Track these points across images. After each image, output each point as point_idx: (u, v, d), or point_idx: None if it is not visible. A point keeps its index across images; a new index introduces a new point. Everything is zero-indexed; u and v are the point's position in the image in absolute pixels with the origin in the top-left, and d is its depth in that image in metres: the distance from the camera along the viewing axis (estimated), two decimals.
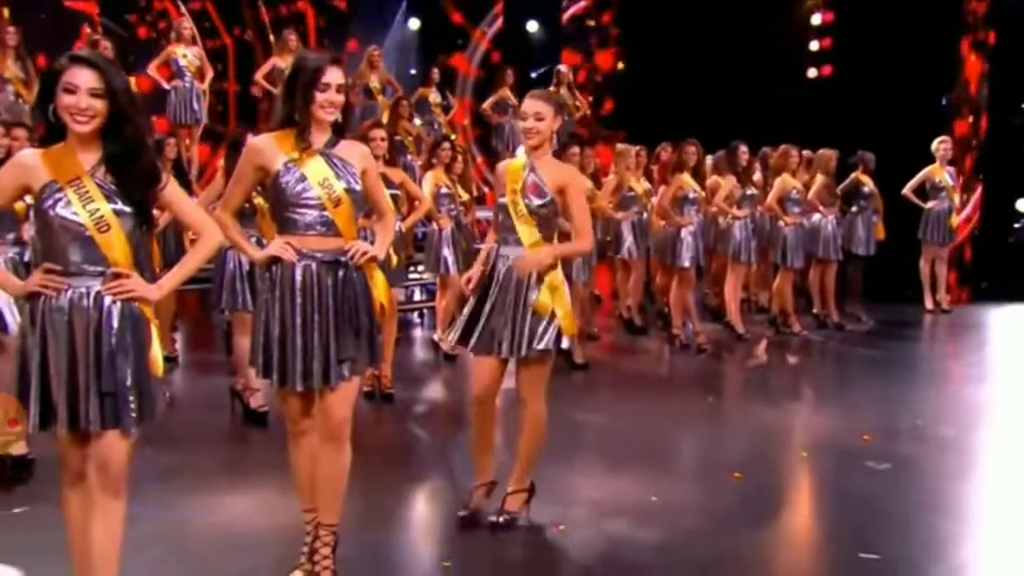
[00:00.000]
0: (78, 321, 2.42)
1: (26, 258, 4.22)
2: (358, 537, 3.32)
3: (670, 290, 7.22)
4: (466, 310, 3.56)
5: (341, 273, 2.88)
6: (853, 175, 8.17)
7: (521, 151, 3.62)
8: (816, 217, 7.72)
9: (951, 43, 9.32)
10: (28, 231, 4.21)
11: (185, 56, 8.34)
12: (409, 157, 8.43)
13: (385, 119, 8.16)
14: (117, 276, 2.46)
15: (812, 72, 10.39)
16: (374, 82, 9.25)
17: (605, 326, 7.85)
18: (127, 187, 2.46)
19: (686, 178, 6.92)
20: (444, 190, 6.55)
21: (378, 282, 3.02)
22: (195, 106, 8.44)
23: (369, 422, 5.00)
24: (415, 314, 8.40)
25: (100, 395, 2.41)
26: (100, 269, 2.45)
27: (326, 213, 2.86)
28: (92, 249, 2.43)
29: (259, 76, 8.90)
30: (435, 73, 10.01)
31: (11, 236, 4.12)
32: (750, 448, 4.80)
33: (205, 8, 10.54)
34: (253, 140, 3.00)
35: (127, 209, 2.46)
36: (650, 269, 8.05)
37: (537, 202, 3.43)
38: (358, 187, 2.91)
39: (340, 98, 2.85)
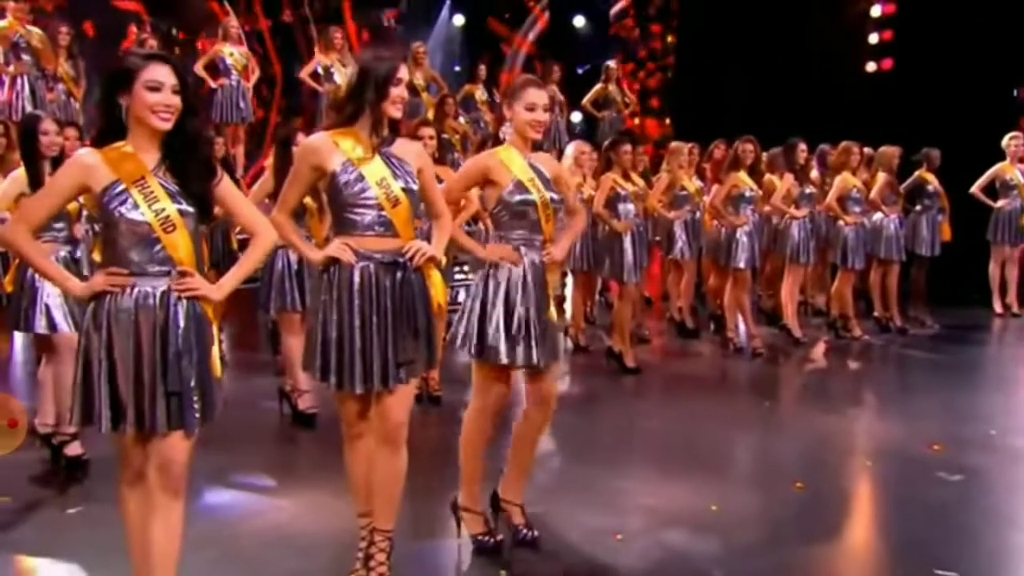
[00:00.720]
0: (144, 321, 2.42)
1: (77, 255, 4.27)
2: (410, 543, 3.26)
3: (723, 292, 7.02)
4: (496, 322, 3.19)
5: (399, 274, 2.85)
6: (917, 173, 7.83)
7: (507, 144, 3.35)
8: (878, 216, 7.42)
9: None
10: (79, 229, 4.26)
11: (232, 55, 8.37)
12: (455, 155, 8.34)
13: (430, 116, 8.09)
14: (183, 275, 2.47)
15: (871, 66, 10.02)
16: (419, 79, 9.17)
17: (655, 329, 7.67)
18: (187, 181, 2.47)
19: (742, 176, 6.72)
20: None
21: (436, 282, 3.00)
22: (241, 104, 8.48)
23: (417, 425, 4.83)
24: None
25: (166, 395, 2.42)
26: (165, 269, 2.46)
27: (384, 213, 2.83)
28: (157, 249, 2.44)
29: (304, 74, 8.91)
30: (481, 70, 9.91)
31: (63, 235, 4.16)
32: (811, 456, 4.62)
33: (259, 32, 10.48)
34: (309, 140, 2.96)
35: (190, 209, 2.47)
36: (701, 270, 7.83)
37: (554, 196, 3.27)
38: (415, 186, 2.89)
39: (406, 94, 2.88)
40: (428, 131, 5.12)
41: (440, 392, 5.37)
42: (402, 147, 2.92)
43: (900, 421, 5.27)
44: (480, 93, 9.72)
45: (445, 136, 7.80)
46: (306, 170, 2.90)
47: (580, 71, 11.67)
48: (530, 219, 3.25)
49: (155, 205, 2.41)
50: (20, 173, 4.08)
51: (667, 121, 7.38)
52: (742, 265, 6.70)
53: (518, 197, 3.22)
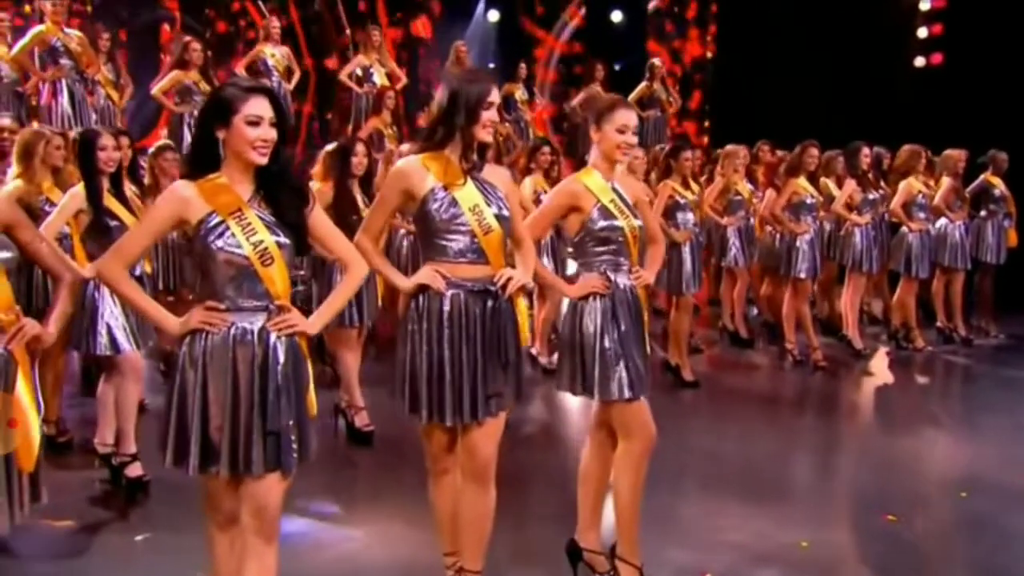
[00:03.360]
0: (241, 358, 2.35)
1: (136, 272, 4.13)
2: None
3: (777, 300, 6.79)
4: (615, 357, 3.02)
5: (490, 303, 2.77)
6: (982, 176, 7.53)
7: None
8: (942, 223, 7.16)
9: None
10: None
11: (273, 56, 8.18)
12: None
13: None
14: (281, 310, 2.41)
15: (920, 61, 9.70)
16: None
17: (706, 338, 7.43)
18: (282, 211, 2.42)
19: (802, 182, 6.49)
20: (543, 196, 6.23)
21: (522, 310, 2.96)
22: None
23: None
24: None
25: (263, 435, 2.34)
26: (263, 304, 2.39)
27: (476, 240, 2.76)
28: (254, 283, 2.38)
29: (343, 75, 8.71)
30: (522, 68, 9.65)
31: None
32: (895, 484, 4.39)
33: (292, 26, 10.27)
34: (399, 164, 2.87)
35: (287, 241, 2.41)
36: (753, 277, 7.59)
37: (640, 224, 3.14)
38: (507, 213, 2.82)
39: (498, 117, 2.78)
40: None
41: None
42: (491, 173, 2.85)
43: (980, 444, 5.05)
44: (520, 93, 9.46)
45: None
46: (395, 195, 2.82)
47: (617, 67, 11.37)
48: (616, 244, 3.11)
49: (253, 237, 2.34)
50: (79, 189, 4.01)
51: (725, 147, 7.16)
52: (803, 275, 6.47)
53: (602, 223, 3.07)
